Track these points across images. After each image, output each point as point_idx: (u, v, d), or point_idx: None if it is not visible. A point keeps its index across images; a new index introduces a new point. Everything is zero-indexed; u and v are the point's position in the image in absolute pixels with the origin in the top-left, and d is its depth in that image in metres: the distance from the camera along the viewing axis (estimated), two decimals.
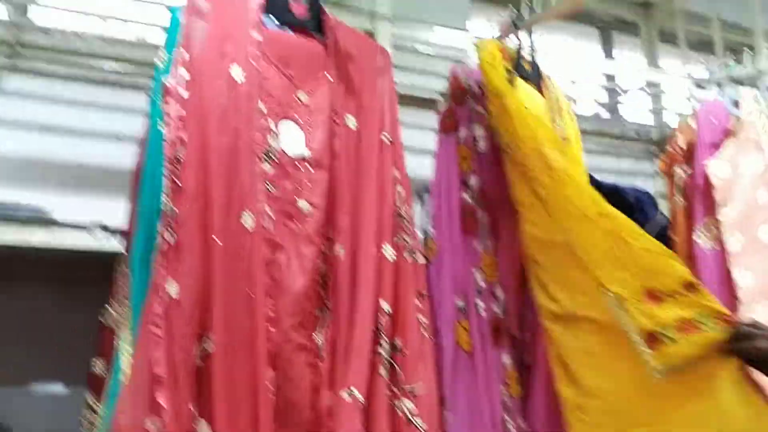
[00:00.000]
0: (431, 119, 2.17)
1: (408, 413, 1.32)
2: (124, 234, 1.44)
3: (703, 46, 3.34)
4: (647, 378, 1.35)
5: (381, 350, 1.32)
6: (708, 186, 2.06)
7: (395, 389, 1.33)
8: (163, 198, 1.24)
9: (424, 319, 1.43)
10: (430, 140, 1.98)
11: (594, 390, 1.44)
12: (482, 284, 1.58)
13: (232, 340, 1.22)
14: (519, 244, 1.66)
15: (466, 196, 1.64)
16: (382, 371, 1.32)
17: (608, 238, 1.42)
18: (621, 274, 1.39)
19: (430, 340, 1.44)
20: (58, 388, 1.84)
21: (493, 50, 1.66)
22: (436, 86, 2.20)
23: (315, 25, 1.52)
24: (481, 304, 1.56)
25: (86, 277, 1.71)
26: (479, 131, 1.69)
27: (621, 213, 1.49)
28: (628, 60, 3.37)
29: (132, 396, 1.15)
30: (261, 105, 1.36)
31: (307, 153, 1.40)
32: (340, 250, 1.37)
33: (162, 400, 1.12)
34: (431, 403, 1.37)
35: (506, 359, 1.57)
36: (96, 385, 1.36)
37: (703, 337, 1.31)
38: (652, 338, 1.35)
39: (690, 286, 1.35)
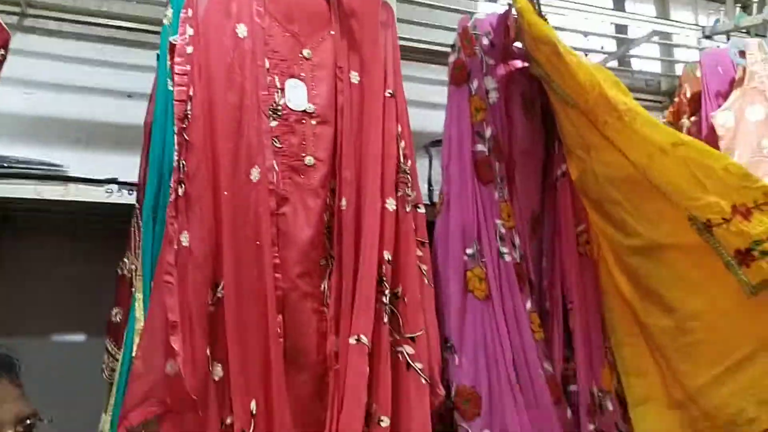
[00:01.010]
0: (437, 73, 2.19)
1: (408, 359, 1.37)
2: (137, 188, 1.49)
3: None
4: (743, 297, 1.41)
5: (384, 299, 1.37)
6: (713, 136, 2.07)
7: (396, 336, 1.38)
8: (174, 153, 1.29)
9: (424, 267, 1.47)
10: (436, 94, 2.01)
11: (693, 312, 1.48)
12: (503, 231, 1.61)
13: (241, 286, 1.28)
14: (532, 192, 1.73)
15: (481, 148, 1.66)
16: (385, 319, 1.37)
17: (689, 165, 1.45)
18: (708, 198, 1.42)
19: (430, 288, 1.48)
20: (77, 338, 1.92)
21: (525, 1, 1.66)
22: (442, 39, 2.21)
23: None
24: (505, 250, 1.59)
25: (103, 230, 1.78)
26: (491, 83, 1.70)
27: (694, 138, 1.52)
28: (639, 10, 3.33)
29: (148, 342, 1.21)
30: (266, 62, 1.40)
31: (311, 108, 1.43)
32: (344, 203, 1.41)
33: (176, 345, 1.18)
34: (430, 348, 1.41)
35: (529, 304, 1.60)
36: (115, 333, 1.43)
37: None
38: (745, 256, 1.40)
39: None
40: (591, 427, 1.57)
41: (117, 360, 1.37)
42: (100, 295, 1.62)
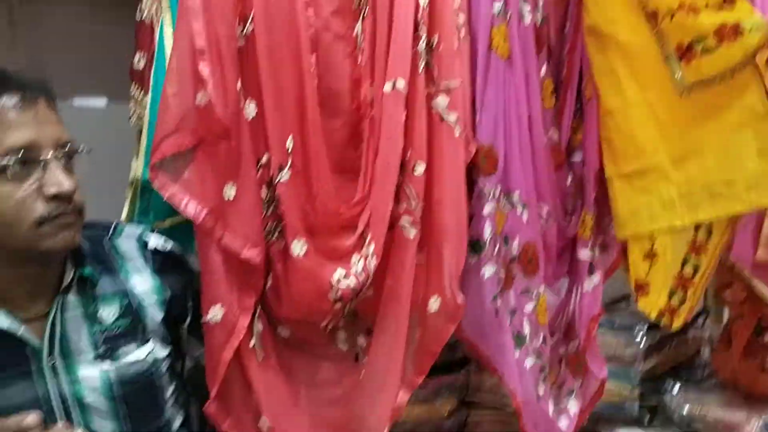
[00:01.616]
0: None
1: (441, 111, 1.32)
2: None
3: None
4: (676, 94, 1.41)
5: (419, 46, 1.29)
6: None
7: (431, 87, 1.32)
8: None
9: (462, 18, 1.38)
10: None
11: (634, 100, 1.47)
12: None
13: (272, 20, 1.20)
14: None
15: None
16: (421, 67, 1.30)
17: None
18: None
19: (467, 41, 1.40)
20: (100, 102, 1.88)
21: None
22: None
23: None
24: (527, 9, 1.49)
25: None
26: None
27: None
28: None
29: (177, 73, 1.16)
30: None
31: None
32: None
33: (205, 71, 1.13)
34: (464, 100, 1.36)
35: (544, 69, 1.54)
36: (140, 78, 1.38)
37: (741, 44, 1.31)
38: (687, 51, 1.37)
39: None
40: (594, 194, 1.59)
41: (144, 106, 1.33)
42: (121, 57, 1.55)
